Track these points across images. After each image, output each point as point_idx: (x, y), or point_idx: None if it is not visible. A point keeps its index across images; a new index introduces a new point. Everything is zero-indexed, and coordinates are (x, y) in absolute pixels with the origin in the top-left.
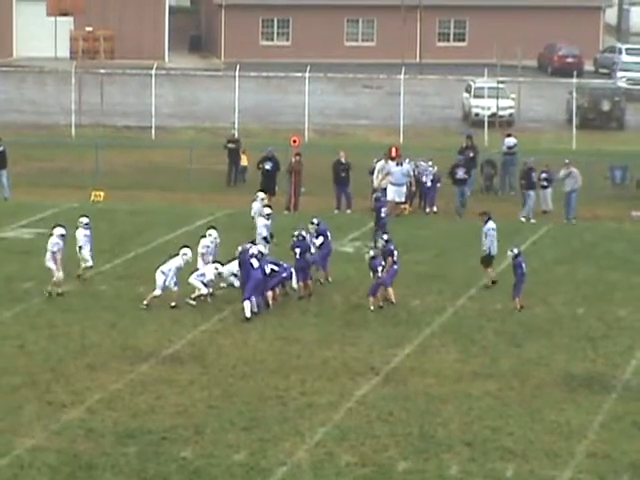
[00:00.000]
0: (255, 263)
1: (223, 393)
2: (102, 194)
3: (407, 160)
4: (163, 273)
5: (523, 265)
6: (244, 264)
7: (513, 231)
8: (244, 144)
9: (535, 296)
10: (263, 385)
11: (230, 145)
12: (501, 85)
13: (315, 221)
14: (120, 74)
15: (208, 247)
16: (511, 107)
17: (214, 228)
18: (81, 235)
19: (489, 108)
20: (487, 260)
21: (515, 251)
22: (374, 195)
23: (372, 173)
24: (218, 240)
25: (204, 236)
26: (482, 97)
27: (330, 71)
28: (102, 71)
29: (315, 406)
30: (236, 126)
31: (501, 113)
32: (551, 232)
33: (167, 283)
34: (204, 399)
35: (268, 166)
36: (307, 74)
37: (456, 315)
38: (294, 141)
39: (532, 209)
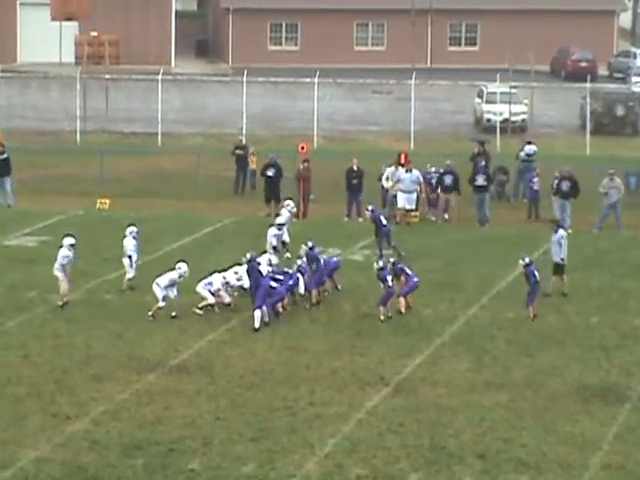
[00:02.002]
0: (265, 270)
1: (231, 404)
2: (107, 202)
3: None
4: (158, 285)
5: (536, 273)
6: (252, 272)
7: (525, 239)
8: (253, 149)
9: (548, 305)
10: (271, 396)
11: (238, 151)
12: (514, 90)
13: (310, 244)
14: (126, 79)
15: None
16: (524, 112)
17: (185, 262)
18: (131, 244)
19: (501, 114)
20: (559, 269)
21: (526, 260)
22: (368, 207)
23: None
24: (187, 275)
25: (172, 269)
26: (494, 102)
27: (339, 76)
28: (107, 76)
29: (324, 417)
30: (244, 132)
31: (514, 119)
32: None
33: (165, 294)
34: (211, 410)
35: (270, 172)
36: (316, 79)
37: (468, 324)
38: (302, 147)
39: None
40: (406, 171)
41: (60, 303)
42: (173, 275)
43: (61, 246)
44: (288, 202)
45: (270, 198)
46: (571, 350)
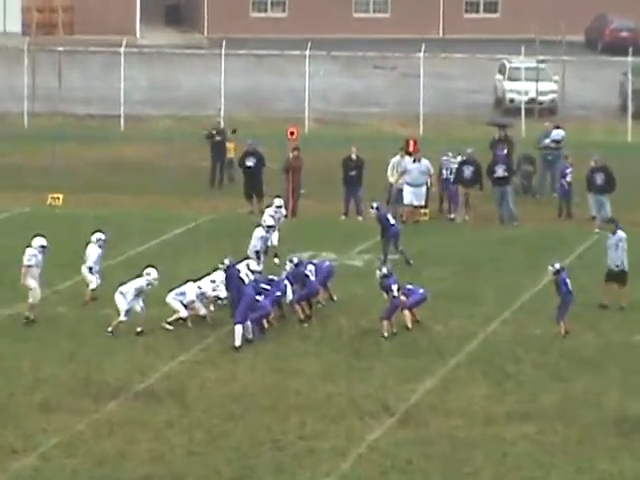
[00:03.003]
0: (246, 278)
1: (207, 436)
2: (60, 197)
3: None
4: (122, 294)
5: (568, 282)
6: (231, 281)
7: (555, 241)
8: (230, 134)
9: (582, 320)
10: (255, 427)
11: (215, 138)
12: (541, 65)
13: (295, 260)
14: (82, 52)
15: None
16: (553, 91)
17: (154, 267)
18: (94, 254)
19: (527, 93)
20: (620, 277)
21: (557, 266)
22: (372, 204)
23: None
24: (156, 283)
25: (139, 276)
26: (518, 79)
27: (335, 48)
28: (60, 49)
29: (317, 452)
30: (222, 114)
31: (541, 99)
32: (601, 243)
33: (129, 306)
34: (184, 444)
35: (250, 163)
36: (307, 52)
37: (487, 343)
38: (291, 133)
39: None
40: (413, 161)
41: (26, 315)
42: (139, 283)
43: (28, 246)
44: (277, 201)
45: (251, 193)
46: (609, 374)
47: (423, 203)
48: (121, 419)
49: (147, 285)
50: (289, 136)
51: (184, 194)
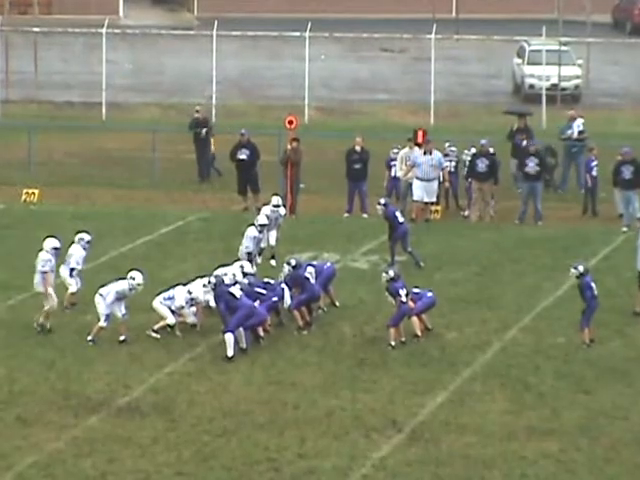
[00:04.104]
0: (237, 292)
1: (196, 455)
2: (36, 192)
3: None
4: (101, 296)
5: (593, 286)
6: (221, 298)
7: (579, 241)
8: (217, 125)
9: (609, 327)
10: (249, 444)
11: (198, 128)
12: (564, 48)
13: (292, 262)
14: (60, 34)
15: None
16: (577, 77)
17: (139, 271)
18: (78, 254)
19: (548, 78)
20: None
21: (580, 268)
22: (380, 201)
23: (390, 166)
24: (141, 287)
25: (123, 278)
26: (539, 64)
27: (338, 29)
28: (36, 30)
29: (318, 472)
30: (213, 102)
31: (564, 84)
32: (630, 243)
33: (109, 310)
34: (171, 462)
35: (243, 155)
36: (307, 33)
37: (504, 352)
38: (290, 122)
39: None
40: (424, 153)
41: (41, 323)
42: (122, 286)
43: (40, 249)
44: (274, 199)
45: (245, 188)
46: (639, 386)
47: (434, 199)
48: (103, 435)
49: (130, 290)
50: (287, 126)
51: (171, 189)
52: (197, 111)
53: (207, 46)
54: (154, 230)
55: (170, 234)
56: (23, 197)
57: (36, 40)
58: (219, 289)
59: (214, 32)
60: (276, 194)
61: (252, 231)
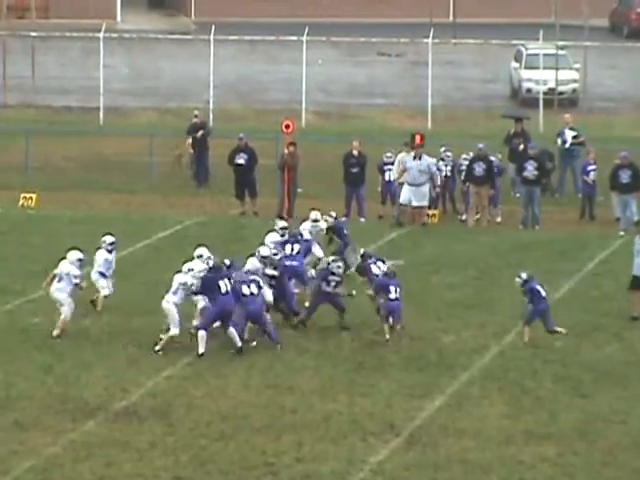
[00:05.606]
0: (223, 287)
1: (194, 459)
2: (34, 196)
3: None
4: (169, 303)
5: (539, 289)
6: (209, 284)
7: (577, 245)
8: (215, 129)
9: (607, 331)
10: (247, 449)
11: (201, 132)
12: (561, 52)
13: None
14: (58, 38)
15: None
16: (575, 81)
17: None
18: (101, 259)
19: (545, 82)
20: None
21: (523, 276)
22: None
23: (383, 170)
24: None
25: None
26: (536, 68)
27: (335, 34)
28: (33, 34)
29: (315, 477)
30: (211, 106)
31: (561, 88)
32: (628, 247)
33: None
34: (169, 467)
35: (241, 160)
36: (304, 37)
37: (502, 356)
38: (287, 126)
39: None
40: (414, 158)
41: (58, 334)
42: (184, 278)
43: (63, 258)
44: (312, 214)
45: (243, 192)
46: (636, 389)
47: (425, 203)
48: (100, 440)
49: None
50: (284, 130)
51: (169, 193)
52: (196, 115)
53: (204, 50)
54: (152, 234)
55: (168, 238)
56: (21, 202)
57: (33, 45)
58: (210, 276)
59: (211, 37)
60: (314, 209)
61: (273, 236)
